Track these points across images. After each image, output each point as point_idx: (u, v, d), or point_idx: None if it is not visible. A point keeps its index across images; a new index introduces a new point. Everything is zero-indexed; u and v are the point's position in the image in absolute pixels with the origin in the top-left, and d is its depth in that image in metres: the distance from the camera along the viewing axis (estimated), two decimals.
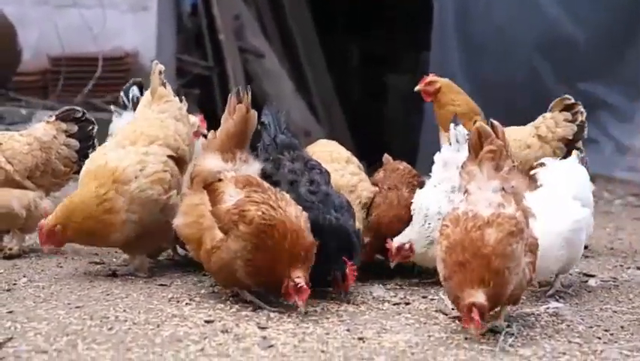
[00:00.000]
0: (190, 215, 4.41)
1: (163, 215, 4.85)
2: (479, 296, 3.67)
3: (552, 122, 5.89)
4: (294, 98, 13.05)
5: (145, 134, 4.95)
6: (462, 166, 4.16)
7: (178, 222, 4.49)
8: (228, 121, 4.61)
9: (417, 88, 6.10)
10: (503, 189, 3.99)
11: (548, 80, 11.77)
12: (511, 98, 11.63)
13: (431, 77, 6.08)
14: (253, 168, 4.55)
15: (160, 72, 5.14)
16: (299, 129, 11.52)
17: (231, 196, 4.27)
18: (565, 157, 5.45)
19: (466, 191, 4.04)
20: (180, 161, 5.00)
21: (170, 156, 4.93)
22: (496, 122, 4.15)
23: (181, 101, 5.19)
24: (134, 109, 5.76)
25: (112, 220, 4.73)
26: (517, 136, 5.81)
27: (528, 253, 3.95)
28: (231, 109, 4.63)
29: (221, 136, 4.58)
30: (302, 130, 12.09)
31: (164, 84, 5.14)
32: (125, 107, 6.10)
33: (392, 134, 15.18)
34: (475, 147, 4.09)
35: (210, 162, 4.50)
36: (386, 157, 5.79)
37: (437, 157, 5.21)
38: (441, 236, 3.95)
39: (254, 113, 4.65)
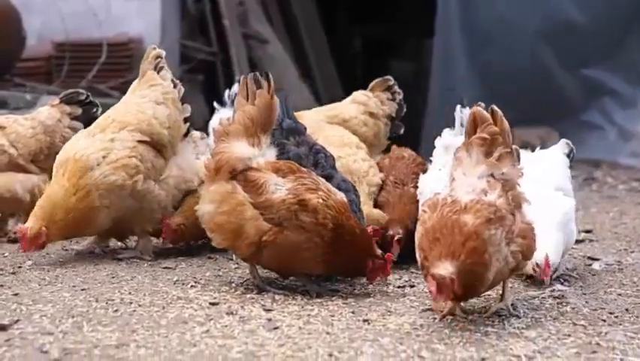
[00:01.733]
0: (225, 203, 4.20)
1: (135, 201, 4.88)
2: (442, 268, 3.57)
3: (378, 100, 5.91)
4: (297, 84, 13.03)
5: (116, 121, 4.95)
6: (454, 152, 4.05)
7: (206, 209, 4.28)
8: (248, 106, 4.37)
9: None
10: (492, 175, 3.86)
11: (552, 66, 11.77)
12: (514, 84, 11.64)
13: None
14: (272, 153, 4.40)
15: (157, 57, 5.13)
16: None
17: (278, 185, 4.20)
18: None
19: (452, 178, 3.93)
20: (157, 145, 4.99)
21: (143, 142, 4.93)
22: (495, 108, 4.01)
23: (175, 86, 5.14)
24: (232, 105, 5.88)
25: (91, 206, 4.76)
26: (352, 113, 5.82)
27: (517, 240, 3.81)
28: (251, 95, 4.39)
29: (244, 122, 4.33)
30: None
31: (158, 69, 5.12)
32: (223, 104, 6.20)
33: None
34: (470, 133, 3.97)
35: (238, 148, 4.29)
36: (393, 148, 5.80)
37: (438, 142, 5.21)
38: (419, 223, 3.84)
39: (277, 99, 4.46)
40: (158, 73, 5.14)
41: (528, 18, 11.80)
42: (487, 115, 3.96)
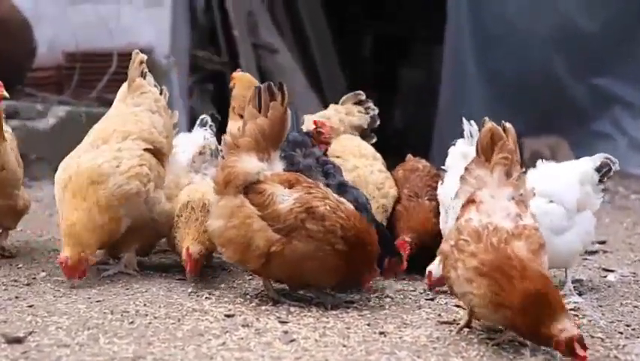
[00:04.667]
0: (234, 217, 4.19)
1: (148, 210, 4.79)
2: (570, 325, 3.44)
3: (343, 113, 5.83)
4: (307, 93, 13.04)
5: (118, 131, 4.83)
6: (466, 169, 4.01)
7: (216, 225, 4.27)
8: (261, 119, 4.32)
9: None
10: (513, 197, 3.82)
11: (562, 75, 11.75)
12: (524, 92, 11.62)
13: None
14: (279, 166, 4.38)
15: (141, 62, 5.01)
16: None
17: (284, 196, 4.18)
18: None
19: (471, 199, 3.86)
20: (158, 153, 4.91)
21: (147, 150, 4.84)
22: (508, 125, 3.96)
23: (161, 93, 5.06)
24: None
25: (115, 215, 4.63)
26: None
27: None
28: (264, 106, 4.33)
29: (256, 136, 4.30)
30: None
31: (143, 75, 5.03)
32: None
33: (406, 127, 15.19)
34: (486, 149, 3.92)
35: (247, 163, 4.27)
36: (409, 157, 5.77)
37: (453, 150, 5.14)
38: (462, 253, 3.70)
39: (289, 113, 4.40)
40: (144, 79, 5.04)
41: (538, 26, 11.78)
42: (502, 132, 3.92)
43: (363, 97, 6.04)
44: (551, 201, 4.66)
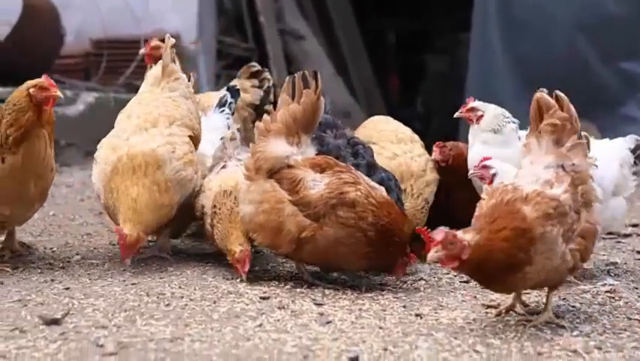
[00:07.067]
0: (265, 202, 4.18)
1: (191, 197, 4.75)
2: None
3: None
4: (333, 79, 13.02)
5: (163, 116, 4.77)
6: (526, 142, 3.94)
7: (247, 210, 4.25)
8: (293, 105, 4.31)
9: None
10: (562, 166, 3.73)
11: (590, 59, 11.67)
12: (551, 77, 11.53)
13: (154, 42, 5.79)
14: (311, 150, 4.36)
15: (172, 46, 4.98)
16: (339, 110, 11.52)
17: (315, 181, 4.17)
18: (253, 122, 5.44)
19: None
20: (195, 140, 4.88)
21: (189, 136, 4.82)
22: (561, 94, 3.85)
23: (189, 79, 5.05)
24: None
25: (173, 200, 4.58)
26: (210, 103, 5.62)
27: (577, 239, 3.64)
28: (297, 93, 4.32)
29: (287, 120, 4.28)
30: (342, 111, 12.08)
31: (174, 60, 5.01)
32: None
33: (431, 114, 15.16)
34: (535, 118, 3.85)
35: (276, 147, 4.25)
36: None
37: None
38: (476, 210, 3.66)
39: (323, 100, 4.38)
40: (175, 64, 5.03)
41: (566, 10, 11.69)
42: (552, 101, 3.84)
43: (256, 68, 6.04)
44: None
